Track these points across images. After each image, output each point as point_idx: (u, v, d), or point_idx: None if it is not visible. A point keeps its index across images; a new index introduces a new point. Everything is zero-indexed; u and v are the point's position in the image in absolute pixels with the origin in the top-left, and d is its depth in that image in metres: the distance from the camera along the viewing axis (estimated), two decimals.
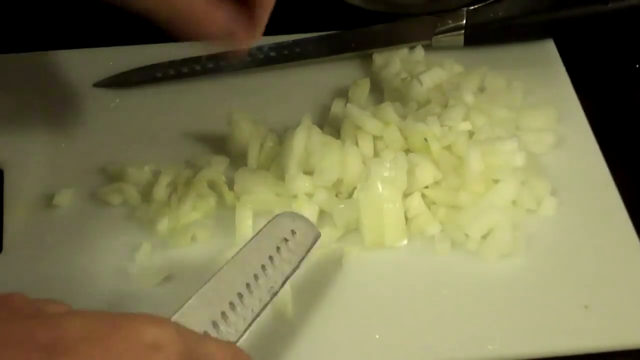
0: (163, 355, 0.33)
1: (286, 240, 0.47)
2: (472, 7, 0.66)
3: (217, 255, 0.53)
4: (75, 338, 0.32)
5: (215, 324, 0.41)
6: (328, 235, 0.54)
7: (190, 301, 0.41)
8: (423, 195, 0.55)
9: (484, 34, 0.67)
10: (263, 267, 0.45)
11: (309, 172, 0.56)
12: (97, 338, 0.33)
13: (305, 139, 0.56)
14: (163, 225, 0.55)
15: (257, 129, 0.60)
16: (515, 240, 0.53)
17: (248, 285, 0.44)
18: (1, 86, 0.66)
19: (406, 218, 0.54)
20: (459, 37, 0.66)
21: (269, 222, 0.48)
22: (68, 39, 0.69)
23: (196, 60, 0.66)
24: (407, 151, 0.57)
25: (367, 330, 0.50)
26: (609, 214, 0.56)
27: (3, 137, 0.62)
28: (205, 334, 0.40)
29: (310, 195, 0.55)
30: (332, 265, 0.54)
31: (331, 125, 0.61)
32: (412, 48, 0.67)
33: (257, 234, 0.47)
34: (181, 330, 0.35)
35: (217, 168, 0.58)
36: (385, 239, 0.53)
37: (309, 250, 0.48)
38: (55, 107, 0.64)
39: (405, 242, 0.54)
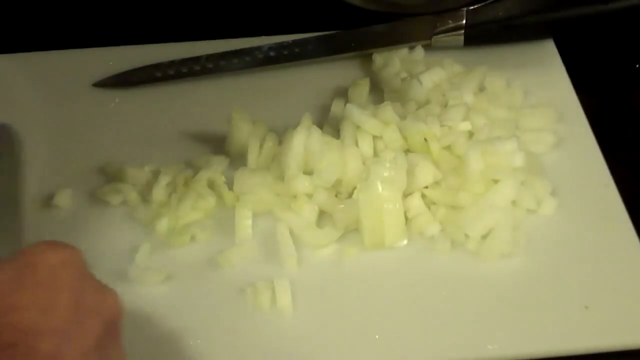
0: (75, 267, 0.38)
1: None
2: (472, 7, 0.66)
3: (217, 255, 0.53)
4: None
5: None
6: (328, 235, 0.54)
7: None
8: (423, 195, 0.55)
9: (484, 34, 0.67)
10: None
11: (308, 172, 0.56)
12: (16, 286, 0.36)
13: (305, 139, 0.56)
14: (163, 225, 0.55)
15: (257, 128, 0.60)
16: (515, 240, 0.53)
17: None
18: (1, 86, 0.66)
19: (406, 218, 0.54)
20: (459, 37, 0.66)
21: None
22: (68, 39, 0.70)
23: (196, 60, 0.66)
24: (407, 151, 0.57)
25: (367, 330, 0.50)
26: (609, 214, 0.56)
27: None
28: None
29: (310, 195, 0.55)
30: (332, 265, 0.54)
31: (331, 125, 0.61)
32: (412, 48, 0.67)
33: None
34: (76, 248, 0.39)
35: (216, 168, 0.58)
36: (385, 239, 0.53)
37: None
38: (55, 107, 0.64)
39: (405, 242, 0.54)
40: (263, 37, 0.69)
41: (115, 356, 0.39)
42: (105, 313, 0.38)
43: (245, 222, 0.55)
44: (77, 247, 0.39)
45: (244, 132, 0.60)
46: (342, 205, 0.54)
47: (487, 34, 0.67)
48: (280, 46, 0.67)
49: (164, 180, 0.57)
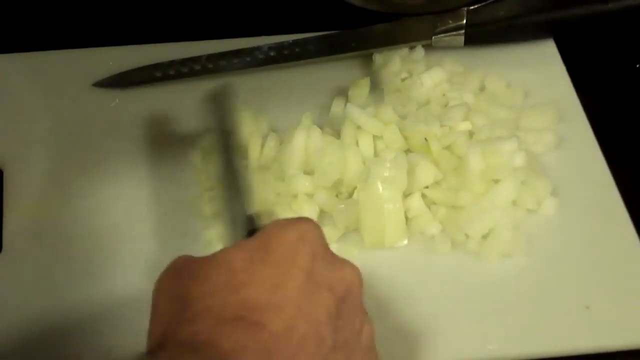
0: (309, 244, 0.38)
1: None
2: (472, 7, 0.66)
3: None
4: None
5: None
6: (328, 235, 0.54)
7: None
8: (423, 195, 0.55)
9: (484, 34, 0.67)
10: None
11: (309, 172, 0.56)
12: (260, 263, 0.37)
13: (305, 139, 0.56)
14: None
15: (258, 128, 0.60)
16: (515, 240, 0.53)
17: None
18: (1, 86, 0.66)
19: (406, 218, 0.54)
20: (459, 37, 0.66)
21: None
22: (68, 39, 0.69)
23: (196, 60, 0.66)
24: (407, 151, 0.57)
25: None
26: (609, 214, 0.56)
27: (3, 137, 0.62)
28: None
29: (310, 195, 0.55)
30: None
31: (331, 125, 0.61)
32: (412, 48, 0.67)
33: None
34: (314, 223, 0.40)
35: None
36: (385, 239, 0.53)
37: None
38: (55, 107, 0.64)
39: (405, 242, 0.54)
40: (263, 37, 0.68)
41: (354, 325, 0.40)
42: (340, 286, 0.39)
43: None
44: (314, 222, 0.40)
45: (244, 131, 0.60)
46: (342, 205, 0.54)
47: (487, 34, 0.67)
48: (281, 46, 0.67)
49: None
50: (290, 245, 0.38)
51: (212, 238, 0.55)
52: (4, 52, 0.68)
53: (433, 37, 0.66)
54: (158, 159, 0.60)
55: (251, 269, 0.37)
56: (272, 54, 0.67)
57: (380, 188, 0.53)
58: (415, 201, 0.55)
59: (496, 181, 0.55)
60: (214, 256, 0.38)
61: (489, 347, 0.49)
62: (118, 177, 0.59)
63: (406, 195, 0.55)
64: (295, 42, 0.67)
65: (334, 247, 0.54)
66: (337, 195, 0.56)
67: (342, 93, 0.64)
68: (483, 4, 0.66)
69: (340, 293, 0.39)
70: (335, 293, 0.38)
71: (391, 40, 0.67)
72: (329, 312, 0.37)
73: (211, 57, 0.66)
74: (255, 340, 0.34)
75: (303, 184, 0.55)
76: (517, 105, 0.62)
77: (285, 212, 0.54)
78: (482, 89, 0.63)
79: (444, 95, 0.61)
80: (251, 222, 0.45)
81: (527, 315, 0.51)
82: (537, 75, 0.65)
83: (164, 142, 0.61)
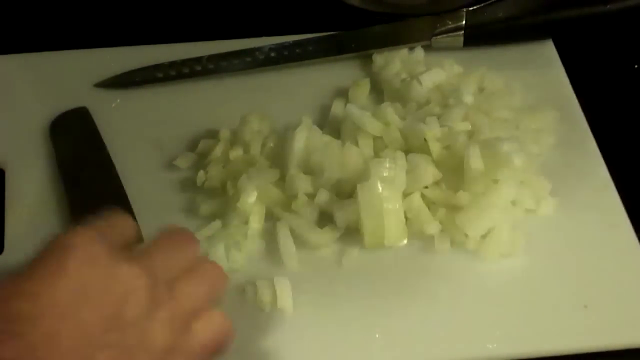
0: (79, 251, 0.38)
1: None
2: (472, 8, 0.66)
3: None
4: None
5: None
6: (328, 235, 0.54)
7: None
8: (423, 195, 0.55)
9: (483, 35, 0.67)
10: None
11: (309, 172, 0.56)
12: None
13: (305, 139, 0.56)
14: None
15: (259, 128, 0.60)
16: (514, 240, 0.53)
17: None
18: (2, 86, 0.66)
19: (406, 218, 0.54)
20: (459, 38, 0.66)
21: None
22: (68, 39, 0.70)
23: (197, 60, 0.67)
24: (407, 151, 0.57)
25: (367, 330, 0.50)
26: (609, 214, 0.56)
27: (3, 137, 0.62)
28: None
29: (310, 195, 0.55)
30: (332, 265, 0.54)
31: (331, 126, 0.61)
32: (412, 49, 0.67)
33: None
34: (89, 230, 0.40)
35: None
36: (385, 239, 0.53)
37: None
38: (57, 107, 0.64)
39: (405, 242, 0.54)
40: (264, 37, 0.69)
41: (141, 325, 0.39)
42: (118, 288, 0.39)
43: None
44: (89, 230, 0.40)
45: (247, 131, 0.60)
46: (342, 205, 0.54)
47: (486, 34, 0.67)
48: (281, 47, 0.67)
49: None
50: (58, 254, 0.38)
51: (210, 238, 0.55)
52: (5, 53, 0.68)
53: (432, 38, 0.67)
54: (158, 159, 0.60)
55: (16, 285, 0.37)
56: (272, 54, 0.67)
57: (380, 188, 0.53)
58: (415, 201, 0.55)
59: (495, 181, 0.55)
60: None
61: (488, 347, 0.50)
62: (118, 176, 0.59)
63: (406, 195, 0.55)
64: (295, 43, 0.68)
65: (334, 247, 0.54)
66: (337, 195, 0.56)
67: (342, 93, 0.64)
68: (483, 4, 0.66)
69: (118, 294, 0.38)
70: (113, 294, 0.38)
71: (391, 41, 0.67)
72: (102, 313, 0.37)
73: (212, 58, 0.67)
74: (13, 351, 0.34)
75: (303, 184, 0.55)
76: (517, 106, 0.62)
77: (285, 212, 0.55)
78: (481, 89, 0.64)
79: (443, 95, 0.61)
80: None
81: (526, 314, 0.51)
82: (537, 75, 0.66)
83: (164, 142, 0.61)
